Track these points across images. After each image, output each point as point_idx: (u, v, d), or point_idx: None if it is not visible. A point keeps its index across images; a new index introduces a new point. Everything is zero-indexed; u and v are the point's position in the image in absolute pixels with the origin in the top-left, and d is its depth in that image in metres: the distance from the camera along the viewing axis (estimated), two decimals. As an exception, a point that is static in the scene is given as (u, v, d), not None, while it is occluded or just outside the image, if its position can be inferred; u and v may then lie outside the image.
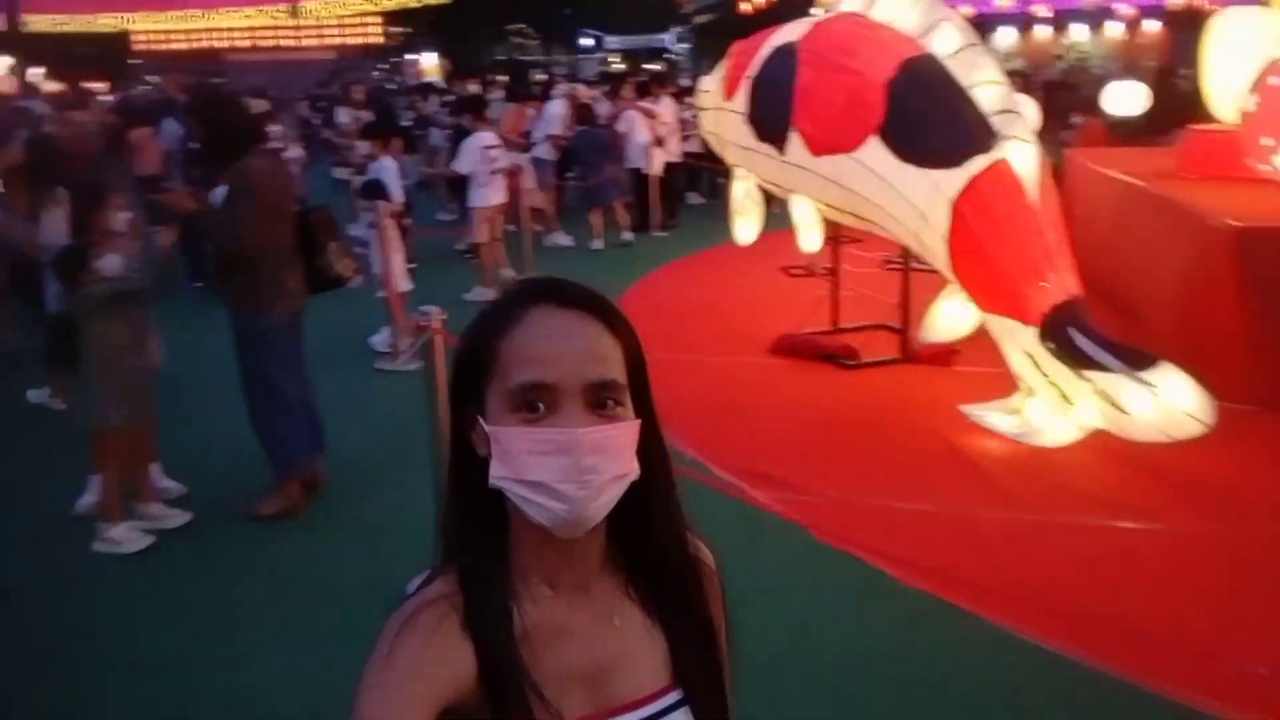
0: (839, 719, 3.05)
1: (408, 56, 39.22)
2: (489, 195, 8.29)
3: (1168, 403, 4.21)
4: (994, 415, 4.94)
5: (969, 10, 27.41)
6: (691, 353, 6.52)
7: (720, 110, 6.86)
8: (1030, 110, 5.42)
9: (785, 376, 6.07)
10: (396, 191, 7.00)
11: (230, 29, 46.49)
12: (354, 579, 3.72)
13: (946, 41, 5.25)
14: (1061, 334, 4.59)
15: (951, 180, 4.92)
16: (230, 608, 3.64)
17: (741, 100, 6.46)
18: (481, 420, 0.96)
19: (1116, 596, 3.56)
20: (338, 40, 47.78)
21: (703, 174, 11.85)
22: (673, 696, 1.02)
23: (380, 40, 48.18)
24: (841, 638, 3.42)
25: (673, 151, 10.96)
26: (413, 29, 46.51)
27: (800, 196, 6.39)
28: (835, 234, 6.73)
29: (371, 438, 5.24)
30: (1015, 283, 4.77)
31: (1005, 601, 3.53)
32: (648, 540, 1.03)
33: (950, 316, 5.37)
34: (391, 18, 47.23)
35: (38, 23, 33.06)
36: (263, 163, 4.04)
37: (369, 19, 46.25)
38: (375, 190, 6.45)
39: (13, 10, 16.21)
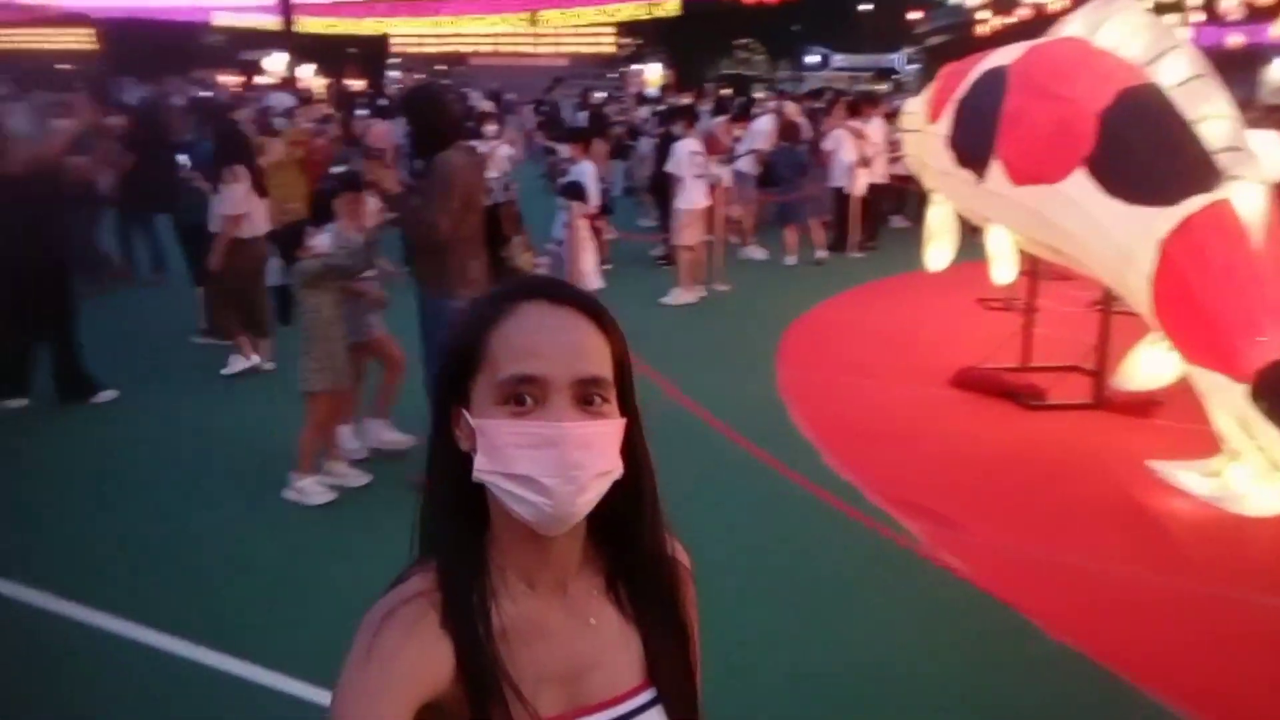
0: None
1: (633, 67, 40.41)
2: (695, 198, 8.49)
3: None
4: (1187, 475, 4.54)
5: (1239, 40, 25.14)
6: (865, 376, 6.40)
7: (923, 133, 6.67)
8: (1280, 150, 4.94)
9: (961, 411, 5.83)
10: (593, 194, 7.27)
11: (476, 34, 49.55)
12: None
13: (1173, 71, 4.88)
14: (1276, 395, 4.17)
15: (1162, 219, 4.57)
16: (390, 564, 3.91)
17: (945, 123, 6.26)
18: (466, 413, 0.96)
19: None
20: (572, 49, 49.93)
21: (910, 197, 11.53)
22: (646, 695, 1.02)
23: (612, 50, 49.92)
24: (967, 678, 3.28)
25: (879, 173, 10.74)
26: (643, 40, 47.81)
27: (997, 226, 6.12)
28: (1033, 268, 6.40)
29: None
30: (1226, 334, 4.37)
31: (1160, 673, 3.26)
32: (627, 540, 1.03)
33: (1150, 365, 4.97)
34: (624, 29, 48.73)
35: (310, 24, 36.48)
36: (461, 157, 4.34)
37: (602, 29, 47.94)
38: (573, 191, 6.74)
39: (288, 14, 18.00)
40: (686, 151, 8.48)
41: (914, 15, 40.87)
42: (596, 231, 7.53)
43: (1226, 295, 4.40)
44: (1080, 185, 4.99)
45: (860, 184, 10.28)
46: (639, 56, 47.48)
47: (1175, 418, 5.17)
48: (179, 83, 20.79)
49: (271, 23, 23.89)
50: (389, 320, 5.09)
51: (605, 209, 9.44)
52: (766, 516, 4.48)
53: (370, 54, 51.71)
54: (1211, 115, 4.67)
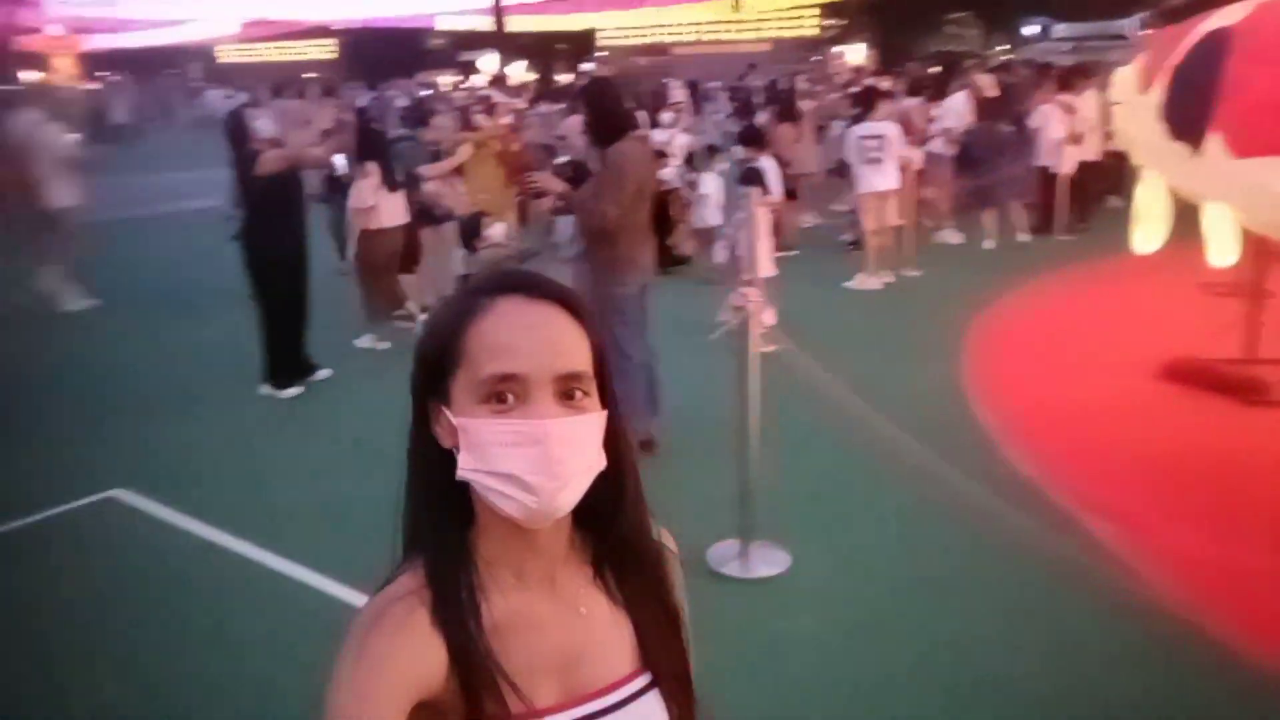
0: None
1: (833, 49, 39.48)
2: (873, 182, 8.29)
3: None
4: None
5: None
6: (1063, 367, 6.02)
7: (1132, 104, 6.17)
8: None
9: (1170, 406, 5.37)
10: (774, 184, 7.23)
11: (679, 24, 50.00)
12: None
13: None
14: None
15: None
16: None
17: (1157, 93, 5.76)
18: (447, 411, 0.96)
19: None
20: (775, 33, 49.38)
21: (1127, 175, 10.66)
22: (642, 680, 1.03)
23: (815, 33, 48.97)
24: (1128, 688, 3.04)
25: (1092, 149, 10.00)
26: (847, 20, 46.56)
27: (1215, 204, 5.56)
28: (1264, 248, 5.78)
29: (694, 407, 5.35)
30: None
31: None
32: (613, 529, 1.04)
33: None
34: (827, 10, 47.62)
35: (522, 23, 38.06)
36: (632, 147, 4.45)
37: (805, 10, 47.10)
38: (752, 177, 6.73)
39: (500, 14, 18.91)
40: (855, 137, 8.36)
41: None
42: (777, 218, 7.48)
43: None
44: (1314, 156, 4.47)
45: (1069, 162, 9.62)
46: (843, 38, 46.29)
47: None
48: (406, 84, 22.22)
49: (487, 23, 25.18)
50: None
51: (790, 194, 9.36)
52: (929, 518, 4.31)
53: (578, 48, 53.41)
54: None
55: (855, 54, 35.75)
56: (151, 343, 7.51)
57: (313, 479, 4.98)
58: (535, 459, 0.92)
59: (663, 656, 1.05)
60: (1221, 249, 5.73)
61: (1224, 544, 3.95)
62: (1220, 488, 4.44)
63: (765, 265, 6.93)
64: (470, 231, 4.75)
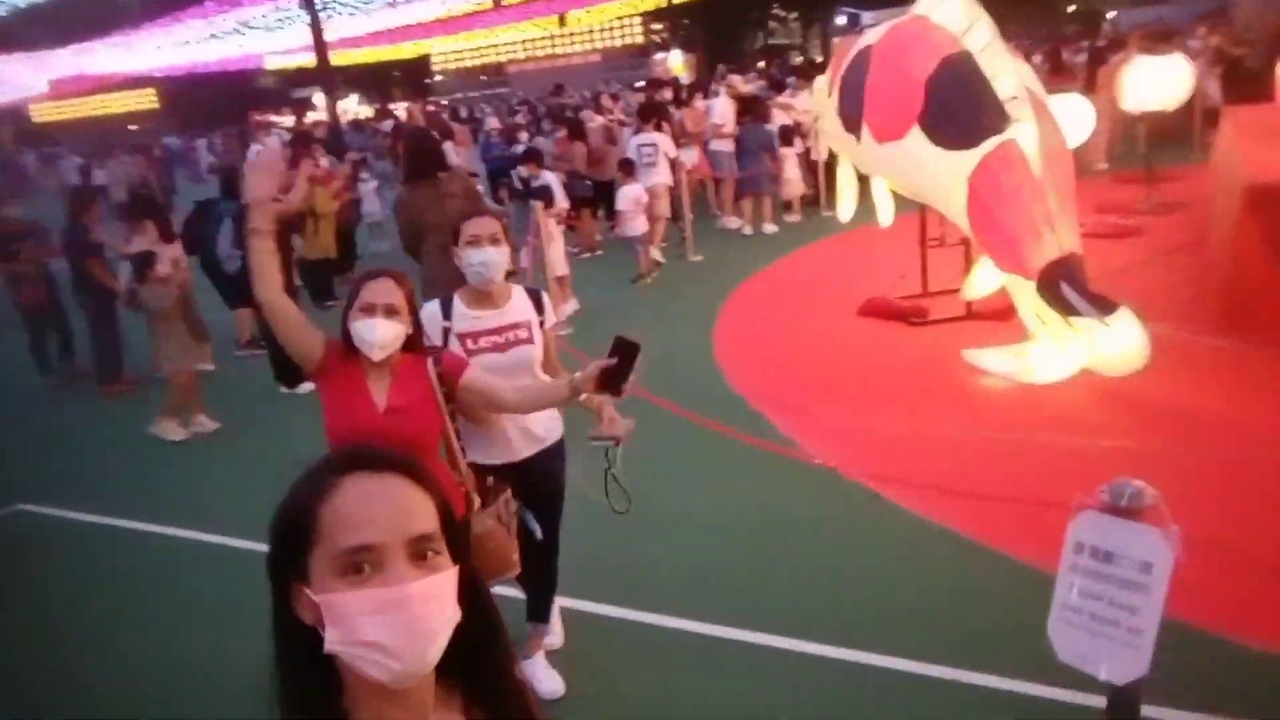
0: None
1: (656, 56, 41.35)
2: (647, 181, 9.87)
3: (1120, 340, 4.91)
4: (990, 357, 5.73)
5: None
6: (790, 317, 7.66)
7: (825, 104, 7.87)
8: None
9: (858, 334, 7.09)
10: (560, 197, 8.72)
11: (510, 43, 51.10)
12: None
13: (979, 37, 6.02)
14: (1055, 286, 5.33)
15: (968, 160, 5.75)
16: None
17: (836, 96, 7.46)
18: (308, 590, 1.00)
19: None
20: (602, 45, 51.13)
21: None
22: None
23: (640, 41, 50.94)
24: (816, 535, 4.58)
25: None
26: (670, 26, 48.58)
27: (876, 178, 7.30)
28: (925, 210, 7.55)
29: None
30: (1019, 245, 5.54)
31: (972, 516, 4.33)
32: (481, 673, 1.12)
33: (982, 278, 6.16)
34: (651, 17, 49.49)
35: (349, 57, 38.37)
36: (410, 192, 5.69)
37: (629, 20, 48.95)
38: (538, 193, 8.13)
39: (322, 50, 19.69)
40: (634, 145, 10.05)
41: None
42: (572, 225, 8.91)
43: (1016, 214, 5.56)
44: (916, 139, 6.17)
45: (818, 149, 11.38)
46: (668, 43, 48.33)
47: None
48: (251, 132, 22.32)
49: (313, 61, 25.76)
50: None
51: (588, 202, 10.87)
52: (671, 434, 5.78)
53: (414, 75, 53.86)
54: (1002, 72, 5.81)
55: (675, 59, 37.77)
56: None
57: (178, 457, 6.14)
58: (398, 623, 0.98)
59: None
60: (884, 211, 7.49)
61: (870, 416, 5.57)
62: (881, 382, 6.11)
63: (558, 266, 8.37)
64: (321, 284, 5.72)
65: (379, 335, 2.66)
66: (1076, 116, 7.35)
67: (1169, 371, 5.27)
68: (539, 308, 3.32)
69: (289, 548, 1.03)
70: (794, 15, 57.52)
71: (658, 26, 51.22)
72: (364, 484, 1.02)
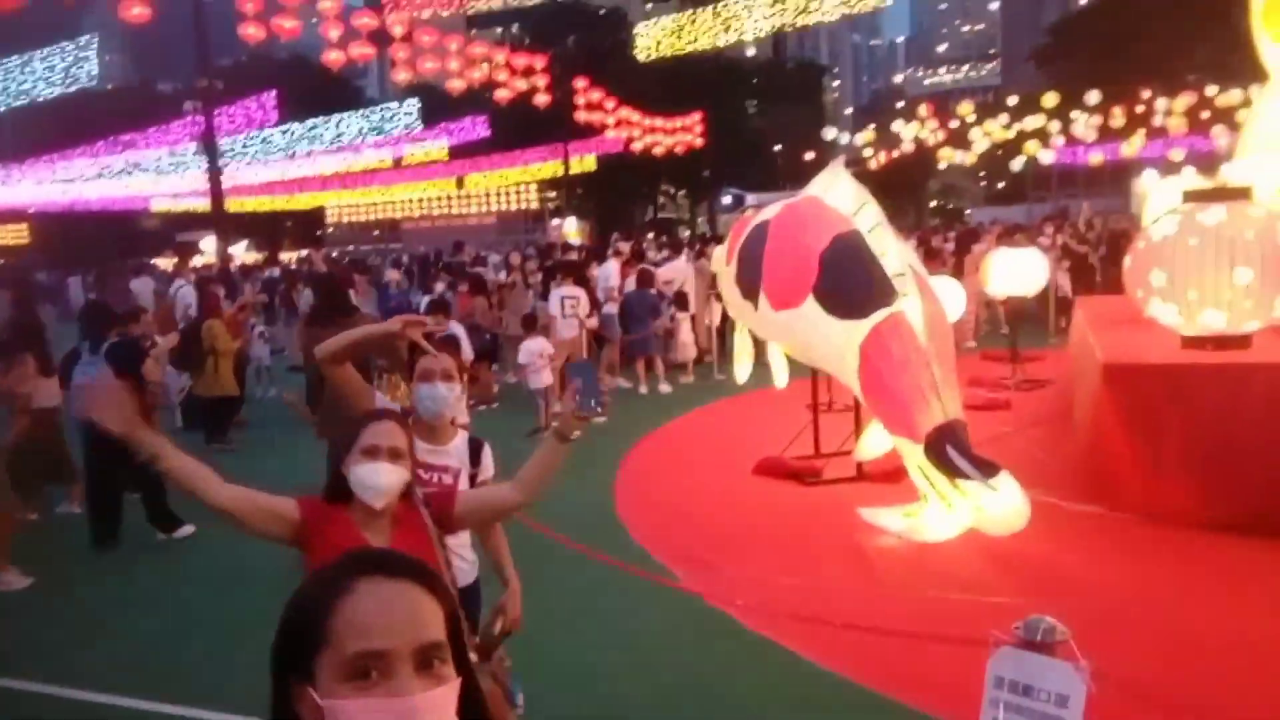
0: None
1: (553, 221, 42.89)
2: (562, 333, 10.27)
3: (1003, 502, 5.22)
4: (886, 516, 5.98)
5: (1099, 157, 28.13)
6: (686, 473, 7.81)
7: (723, 272, 8.34)
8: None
9: (752, 490, 7.28)
10: (466, 349, 8.82)
11: (407, 200, 52.10)
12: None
13: (867, 219, 6.58)
14: (941, 450, 5.66)
15: (860, 329, 6.16)
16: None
17: (734, 265, 7.92)
18: (313, 692, 1.01)
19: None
20: (498, 208, 52.80)
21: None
22: None
23: (535, 206, 52.88)
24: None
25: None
26: (564, 194, 50.65)
27: (772, 343, 7.71)
28: (818, 373, 7.96)
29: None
30: (907, 410, 5.89)
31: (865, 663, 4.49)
32: None
33: (874, 440, 6.50)
34: (546, 184, 51.59)
35: (243, 205, 38.36)
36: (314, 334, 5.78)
37: (525, 186, 50.83)
38: (446, 342, 8.22)
39: (217, 195, 19.66)
40: (558, 297, 10.43)
41: (810, 156, 43.98)
42: (473, 377, 9.02)
43: (905, 381, 5.95)
44: (812, 307, 6.58)
45: (713, 312, 11.95)
46: (563, 210, 50.29)
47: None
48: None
49: (204, 204, 25.68)
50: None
51: (485, 354, 11.01)
52: (581, 588, 5.75)
53: (306, 225, 54.03)
54: (888, 250, 6.34)
55: (570, 225, 39.26)
56: None
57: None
58: None
59: None
60: (780, 374, 7.87)
61: (765, 569, 5.67)
62: (779, 538, 6.25)
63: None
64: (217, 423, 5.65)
65: (384, 481, 2.43)
66: (950, 297, 8.03)
67: (1042, 533, 5.59)
68: (475, 459, 3.26)
69: (296, 646, 1.02)
70: (682, 192, 61.28)
71: (552, 194, 53.27)
72: (380, 589, 1.02)
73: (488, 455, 3.31)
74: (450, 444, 3.25)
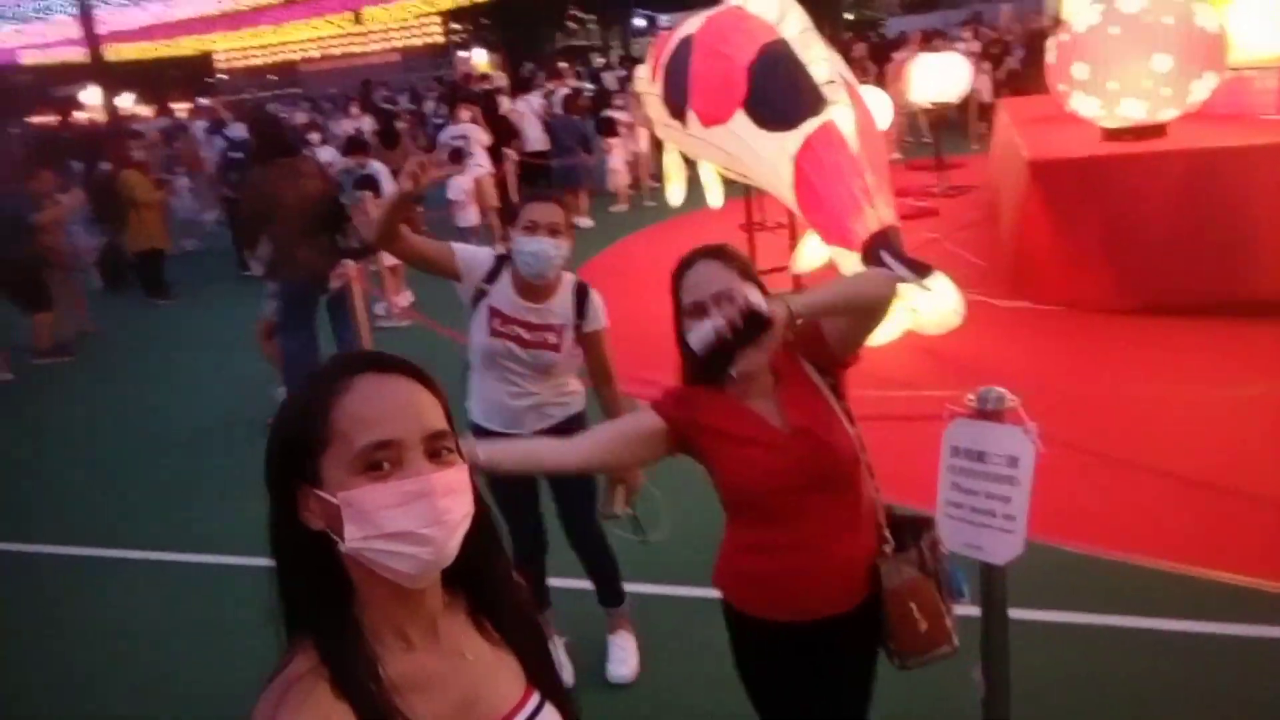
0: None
1: (460, 54, 40.87)
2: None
3: (938, 302, 5.39)
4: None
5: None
6: (626, 298, 7.84)
7: (647, 92, 8.11)
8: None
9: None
10: (388, 188, 8.53)
11: (302, 41, 48.97)
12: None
13: (792, 26, 6.42)
14: (876, 256, 5.76)
15: (792, 140, 6.11)
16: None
17: (659, 84, 7.70)
18: (321, 492, 0.99)
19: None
20: (401, 43, 49.92)
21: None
22: (534, 700, 1.13)
23: (441, 40, 50.10)
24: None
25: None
26: (471, 26, 48.15)
27: (703, 161, 7.63)
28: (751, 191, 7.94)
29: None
30: (842, 219, 5.94)
31: None
32: (486, 574, 1.14)
33: (810, 252, 6.57)
34: (450, 16, 48.81)
35: (123, 51, 35.69)
36: (260, 173, 5.60)
37: (428, 19, 48.08)
38: (364, 183, 7.94)
39: (94, 44, 18.20)
40: (447, 136, 10.07)
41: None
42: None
43: (839, 190, 5.97)
44: (742, 122, 6.48)
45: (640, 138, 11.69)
46: (469, 43, 47.79)
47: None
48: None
49: (80, 54, 23.73)
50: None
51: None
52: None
53: (194, 73, 50.56)
54: (817, 58, 6.22)
55: (479, 57, 37.46)
56: None
57: None
58: (424, 513, 0.98)
59: (546, 675, 1.17)
60: (713, 193, 7.83)
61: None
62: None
63: (388, 256, 8.18)
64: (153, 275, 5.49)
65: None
66: (877, 107, 7.96)
67: (974, 331, 5.82)
68: (580, 310, 3.01)
69: (296, 451, 1.00)
70: (592, 18, 58.63)
71: (457, 26, 50.51)
72: (377, 383, 1.01)
73: (595, 303, 3.04)
74: (551, 299, 2.99)
